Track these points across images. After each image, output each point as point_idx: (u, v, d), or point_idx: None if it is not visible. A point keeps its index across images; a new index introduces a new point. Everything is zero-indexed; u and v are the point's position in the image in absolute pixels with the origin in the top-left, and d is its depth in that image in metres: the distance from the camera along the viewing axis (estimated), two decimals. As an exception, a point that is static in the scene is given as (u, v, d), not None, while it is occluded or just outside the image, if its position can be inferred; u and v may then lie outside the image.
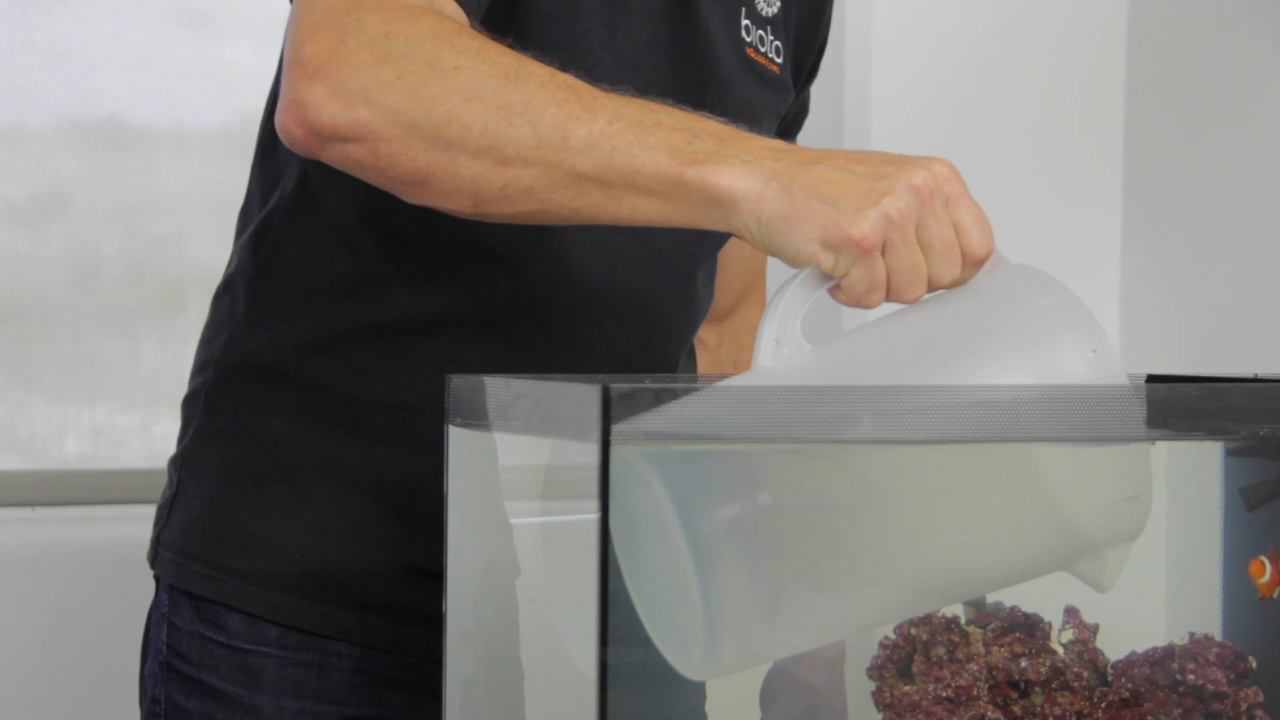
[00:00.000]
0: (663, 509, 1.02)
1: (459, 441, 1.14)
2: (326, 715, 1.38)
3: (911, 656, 1.11)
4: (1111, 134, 2.53)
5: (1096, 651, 1.12)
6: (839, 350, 1.12)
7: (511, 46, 1.17)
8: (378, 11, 1.16)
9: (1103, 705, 1.10)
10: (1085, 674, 1.11)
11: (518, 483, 1.18)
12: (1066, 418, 1.05)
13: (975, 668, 1.09)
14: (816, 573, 1.08)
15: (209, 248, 2.53)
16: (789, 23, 1.50)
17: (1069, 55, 2.52)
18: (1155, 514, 1.10)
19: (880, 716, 1.11)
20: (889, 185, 1.07)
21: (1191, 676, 1.11)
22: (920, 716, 1.09)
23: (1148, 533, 1.10)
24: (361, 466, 1.37)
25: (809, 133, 1.62)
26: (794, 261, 1.09)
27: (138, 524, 1.65)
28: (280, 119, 1.18)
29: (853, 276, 1.08)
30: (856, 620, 1.12)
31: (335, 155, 1.17)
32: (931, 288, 1.10)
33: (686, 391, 1.01)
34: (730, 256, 1.58)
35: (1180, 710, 1.11)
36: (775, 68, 1.47)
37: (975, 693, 1.09)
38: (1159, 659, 1.12)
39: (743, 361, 1.65)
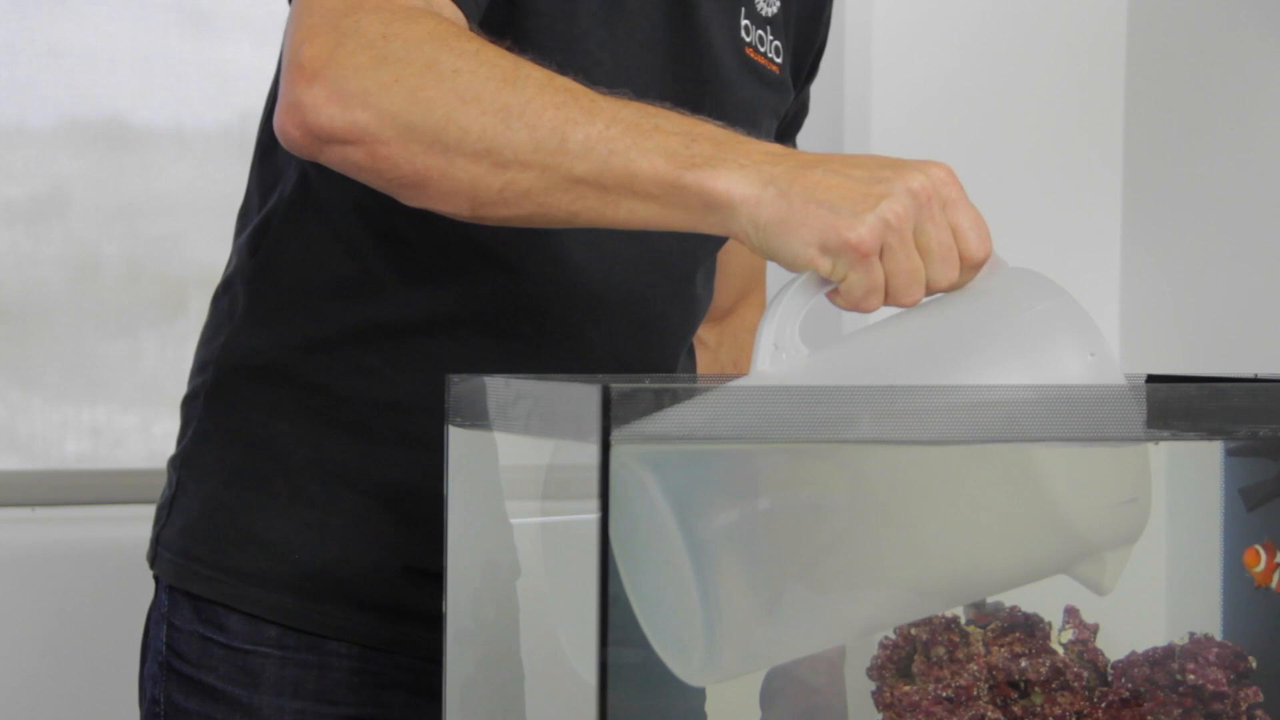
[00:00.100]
0: (661, 514, 1.02)
1: (459, 441, 1.14)
2: (326, 715, 1.38)
3: (911, 656, 1.11)
4: (1111, 134, 2.53)
5: (1096, 651, 1.12)
6: (837, 354, 1.11)
7: (510, 48, 1.17)
8: (376, 14, 1.16)
9: (1103, 705, 1.10)
10: (1085, 674, 1.11)
11: (518, 483, 1.18)
12: (1066, 419, 1.05)
13: (975, 668, 1.09)
14: (815, 577, 1.08)
15: (209, 248, 2.52)
16: (789, 22, 1.50)
17: (1069, 55, 2.51)
18: (1155, 514, 1.10)
19: (880, 716, 1.11)
20: (886, 189, 1.07)
21: (1191, 676, 1.11)
22: (920, 716, 1.09)
23: (1148, 533, 1.10)
24: (361, 466, 1.37)
25: (809, 133, 1.62)
26: (792, 266, 1.08)
27: (137, 524, 1.65)
28: (278, 121, 1.17)
29: (851, 281, 1.08)
30: (856, 624, 1.12)
31: (333, 157, 1.17)
32: (930, 291, 1.09)
33: (687, 392, 1.01)
34: (730, 256, 1.58)
35: (1180, 710, 1.11)
36: (775, 68, 1.47)
37: (975, 693, 1.09)
38: (1159, 659, 1.12)
39: (742, 361, 1.65)
